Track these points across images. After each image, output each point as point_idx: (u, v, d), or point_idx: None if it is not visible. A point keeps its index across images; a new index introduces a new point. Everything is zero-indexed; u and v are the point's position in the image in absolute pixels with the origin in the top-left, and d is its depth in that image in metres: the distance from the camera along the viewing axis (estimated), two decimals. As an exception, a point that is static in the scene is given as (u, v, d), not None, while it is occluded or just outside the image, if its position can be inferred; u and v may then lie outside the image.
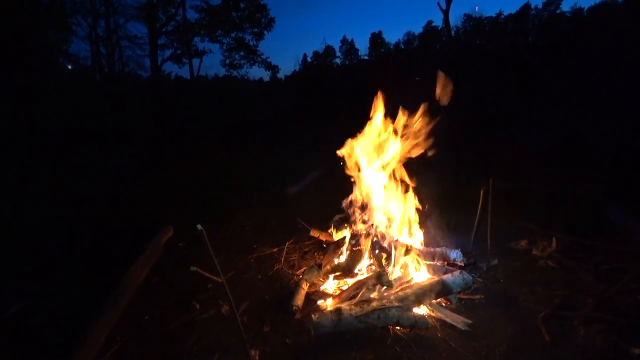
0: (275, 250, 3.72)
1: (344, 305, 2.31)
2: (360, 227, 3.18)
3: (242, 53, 20.52)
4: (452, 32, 23.62)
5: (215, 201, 5.63)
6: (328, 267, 2.90)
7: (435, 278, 2.58)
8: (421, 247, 3.10)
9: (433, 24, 44.62)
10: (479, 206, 3.06)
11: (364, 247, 2.95)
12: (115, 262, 3.38)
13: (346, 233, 3.32)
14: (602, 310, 2.45)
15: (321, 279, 2.92)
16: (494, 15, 43.16)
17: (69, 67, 18.72)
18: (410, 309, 2.25)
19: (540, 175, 5.52)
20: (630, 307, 2.49)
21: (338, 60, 49.69)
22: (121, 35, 19.50)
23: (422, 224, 3.30)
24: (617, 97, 9.49)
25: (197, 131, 12.96)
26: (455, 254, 2.95)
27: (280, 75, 25.16)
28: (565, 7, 41.36)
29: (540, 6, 42.61)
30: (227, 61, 20.89)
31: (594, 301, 2.55)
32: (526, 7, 41.61)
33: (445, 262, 2.94)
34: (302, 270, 3.21)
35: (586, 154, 6.48)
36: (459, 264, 2.91)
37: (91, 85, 18.31)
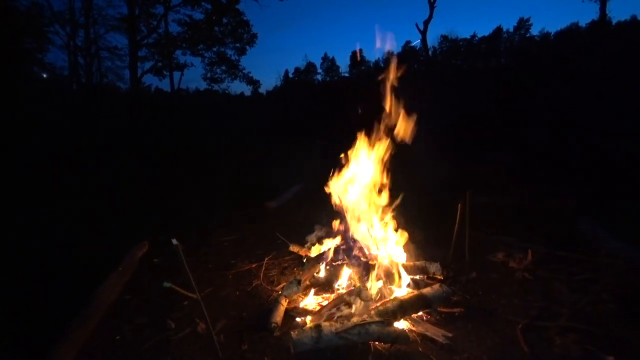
0: (254, 265, 3.64)
1: (324, 322, 2.25)
2: (340, 242, 3.16)
3: (223, 67, 20.60)
4: (430, 52, 24.58)
5: (194, 216, 5.50)
6: (307, 282, 2.85)
7: (415, 292, 2.57)
8: (401, 262, 3.10)
9: (411, 44, 46.36)
10: (457, 220, 3.12)
11: (343, 262, 2.92)
12: (86, 278, 3.23)
13: (326, 248, 3.30)
14: (577, 320, 2.51)
15: (301, 295, 2.86)
16: (468, 37, 45.29)
17: (44, 75, 18.21)
18: (390, 324, 2.22)
19: (515, 190, 5.71)
20: (603, 316, 2.56)
21: (319, 77, 50.63)
22: (101, 46, 19.26)
23: (402, 237, 3.32)
24: (582, 115, 10.05)
25: (176, 145, 12.74)
26: (434, 268, 2.96)
27: (262, 90, 25.33)
28: (535, 31, 43.92)
29: (511, 30, 45.18)
30: (209, 75, 20.91)
31: (568, 311, 2.61)
32: (498, 30, 44.06)
33: (425, 276, 2.95)
34: (281, 286, 3.14)
35: (558, 170, 6.78)
36: (439, 277, 2.93)
37: (67, 95, 17.79)
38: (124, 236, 4.46)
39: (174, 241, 1.65)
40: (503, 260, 3.45)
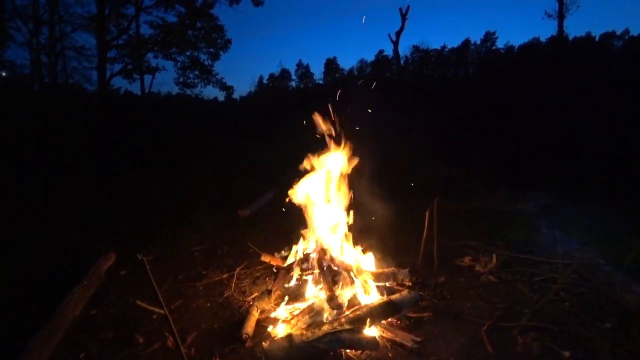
0: (226, 276, 3.58)
1: (295, 331, 2.25)
2: (310, 251, 3.17)
3: (196, 72, 20.22)
4: (402, 62, 25.34)
5: (163, 225, 5.33)
6: (279, 292, 2.85)
7: (385, 299, 2.63)
8: (370, 269, 3.15)
9: (384, 53, 47.50)
10: (425, 226, 3.22)
11: (313, 271, 2.94)
12: (47, 294, 3.06)
13: (297, 257, 3.30)
14: (537, 318, 2.66)
15: (273, 305, 2.84)
16: (439, 48, 47.03)
17: (3, 73, 17.12)
18: (360, 331, 2.26)
19: (483, 195, 5.96)
20: (561, 314, 2.73)
21: (293, 83, 50.74)
22: (66, 45, 18.24)
23: (370, 245, 3.38)
24: (546, 123, 10.68)
25: (145, 149, 12.31)
26: (402, 275, 3.03)
27: (236, 95, 25.06)
28: (500, 44, 46.26)
29: (479, 42, 47.38)
30: (181, 79, 20.47)
31: (530, 311, 2.76)
32: (466, 42, 46.09)
33: (395, 283, 3.01)
34: (253, 296, 3.11)
35: (522, 174, 7.14)
36: (407, 283, 3.00)
37: (27, 95, 16.74)
38: (89, 247, 4.25)
39: (139, 256, 1.60)
40: (470, 264, 3.59)
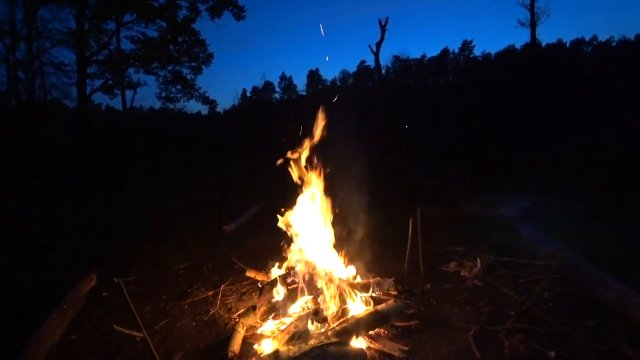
0: (211, 293, 3.51)
1: (282, 347, 2.22)
2: (294, 265, 3.16)
3: (179, 86, 20.00)
4: (383, 72, 25.81)
5: (147, 242, 5.20)
6: (264, 308, 2.80)
7: (371, 309, 2.62)
8: (356, 280, 3.15)
9: (366, 64, 48.24)
10: (409, 234, 3.24)
11: (299, 285, 2.91)
12: (25, 320, 2.93)
13: (281, 272, 3.28)
14: (522, 320, 2.69)
15: (259, 321, 2.80)
16: (419, 57, 48.11)
17: (-23, 90, 16.50)
18: (348, 344, 2.24)
19: (464, 201, 6.07)
20: (545, 315, 2.76)
21: (277, 96, 50.86)
22: (45, 61, 17.75)
23: (355, 256, 3.38)
24: (524, 127, 11.00)
25: (127, 166, 12.07)
26: (388, 284, 3.04)
27: (219, 108, 24.88)
28: (477, 52, 47.67)
29: (457, 50, 48.73)
30: (163, 94, 20.19)
31: (515, 313, 2.79)
32: (445, 51, 47.35)
33: (381, 292, 3.01)
34: (239, 312, 3.05)
35: (503, 178, 7.31)
36: (393, 292, 3.00)
37: (4, 112, 16.20)
38: (70, 269, 4.12)
39: (115, 279, 1.57)
40: (455, 270, 3.63)
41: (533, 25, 21.60)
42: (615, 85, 13.73)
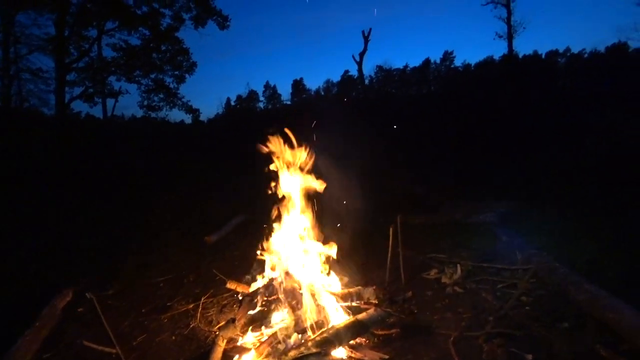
0: (192, 306, 3.45)
1: (262, 359, 2.19)
2: (273, 276, 3.14)
3: (161, 95, 19.77)
4: (366, 81, 26.24)
5: (127, 255, 5.07)
6: (244, 320, 2.77)
7: (352, 318, 2.61)
8: (336, 289, 3.14)
9: (349, 74, 48.83)
10: (390, 242, 3.27)
11: (278, 296, 2.89)
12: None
13: (261, 283, 3.25)
14: (501, 325, 2.73)
15: (239, 333, 2.76)
16: (401, 67, 49.13)
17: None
18: (328, 354, 2.23)
19: (445, 209, 6.17)
20: (522, 319, 2.81)
21: (261, 104, 50.86)
22: (22, 67, 17.24)
23: (335, 265, 3.38)
24: (502, 135, 11.31)
25: (106, 175, 11.77)
26: (368, 293, 3.04)
27: (203, 117, 24.69)
28: (458, 62, 49.07)
29: (438, 61, 49.99)
30: (146, 102, 19.90)
31: (494, 318, 2.83)
32: (427, 61, 48.54)
33: (362, 301, 3.02)
34: (219, 325, 3.01)
35: (483, 187, 7.46)
36: (374, 301, 3.01)
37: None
38: (45, 284, 3.97)
39: (88, 295, 1.53)
40: (436, 277, 3.67)
41: (510, 37, 22.54)
42: (587, 93, 14.35)
